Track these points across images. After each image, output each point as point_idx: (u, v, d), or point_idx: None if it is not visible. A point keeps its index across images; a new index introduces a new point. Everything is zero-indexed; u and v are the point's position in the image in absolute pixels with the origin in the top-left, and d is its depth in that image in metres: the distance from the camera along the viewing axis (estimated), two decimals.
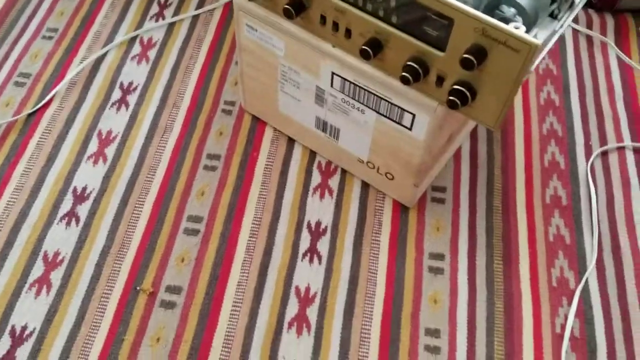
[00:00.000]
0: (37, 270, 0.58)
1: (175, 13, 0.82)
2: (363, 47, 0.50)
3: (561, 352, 0.55)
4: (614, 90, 0.75)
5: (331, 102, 0.60)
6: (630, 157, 0.69)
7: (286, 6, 0.52)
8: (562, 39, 0.80)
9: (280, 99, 0.65)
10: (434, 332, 0.56)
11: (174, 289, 0.57)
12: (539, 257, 0.61)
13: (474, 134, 0.70)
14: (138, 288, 0.57)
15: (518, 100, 0.73)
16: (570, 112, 0.73)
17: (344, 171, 0.67)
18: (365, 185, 0.66)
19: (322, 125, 0.64)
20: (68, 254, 0.59)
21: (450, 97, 0.47)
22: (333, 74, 0.57)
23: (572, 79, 0.76)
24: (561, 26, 0.53)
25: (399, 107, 0.54)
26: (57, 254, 0.59)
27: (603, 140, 0.70)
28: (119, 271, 0.58)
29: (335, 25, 0.52)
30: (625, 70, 0.77)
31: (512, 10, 0.46)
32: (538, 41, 0.41)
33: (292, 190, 0.65)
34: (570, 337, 0.56)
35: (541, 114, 0.72)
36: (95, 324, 0.55)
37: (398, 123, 0.56)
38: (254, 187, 0.65)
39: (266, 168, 0.67)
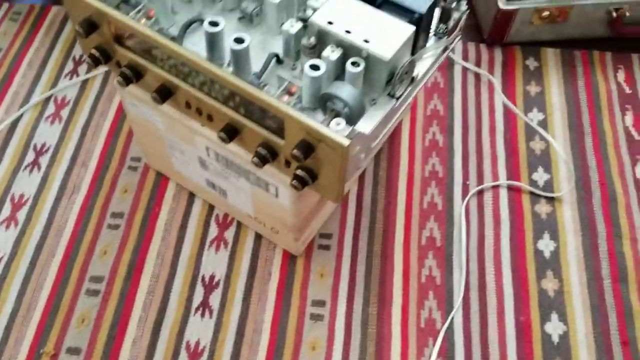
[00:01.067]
0: None
1: (90, 69, 0.86)
2: (220, 132, 0.55)
3: None
4: (496, 128, 0.80)
5: (213, 168, 0.65)
6: (504, 195, 0.75)
7: (154, 94, 0.57)
8: (451, 77, 0.85)
9: (174, 161, 0.70)
10: None
11: (74, 350, 0.63)
12: (411, 299, 0.67)
13: (361, 178, 0.76)
14: (41, 351, 0.63)
15: (404, 142, 0.79)
16: (452, 152, 0.78)
17: (239, 223, 0.72)
18: (258, 236, 0.72)
19: (212, 185, 0.69)
20: None
21: (292, 181, 0.53)
22: (207, 147, 0.62)
23: (457, 119, 0.81)
24: (402, 102, 0.58)
25: (263, 179, 0.60)
26: None
27: (480, 180, 0.76)
28: (25, 334, 0.64)
29: (199, 110, 0.58)
30: (509, 108, 0.82)
31: (340, 103, 0.52)
32: (346, 141, 0.47)
33: (190, 244, 0.71)
34: None
35: (425, 155, 0.78)
36: None
37: (267, 191, 0.61)
38: (153, 244, 0.71)
39: (167, 223, 0.72)
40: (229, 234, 0.72)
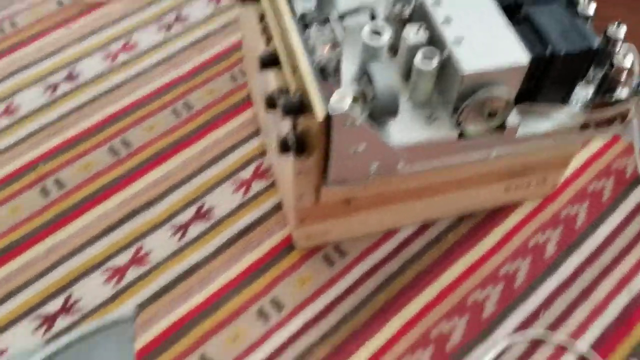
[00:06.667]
0: None
1: None
2: None
3: None
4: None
5: None
6: None
7: None
8: (626, 193, 0.63)
9: None
10: None
11: None
12: None
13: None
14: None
15: (499, 229, 0.61)
16: (543, 278, 0.58)
17: (274, 182, 0.64)
18: (279, 205, 0.62)
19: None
20: None
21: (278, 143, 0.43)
22: None
23: (592, 240, 0.60)
24: (469, 145, 0.43)
25: None
26: None
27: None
28: None
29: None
30: None
31: (370, 86, 0.39)
32: (321, 115, 0.35)
33: (216, 171, 0.65)
34: None
35: (510, 256, 0.59)
36: None
37: None
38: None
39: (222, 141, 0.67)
40: (258, 186, 0.63)
